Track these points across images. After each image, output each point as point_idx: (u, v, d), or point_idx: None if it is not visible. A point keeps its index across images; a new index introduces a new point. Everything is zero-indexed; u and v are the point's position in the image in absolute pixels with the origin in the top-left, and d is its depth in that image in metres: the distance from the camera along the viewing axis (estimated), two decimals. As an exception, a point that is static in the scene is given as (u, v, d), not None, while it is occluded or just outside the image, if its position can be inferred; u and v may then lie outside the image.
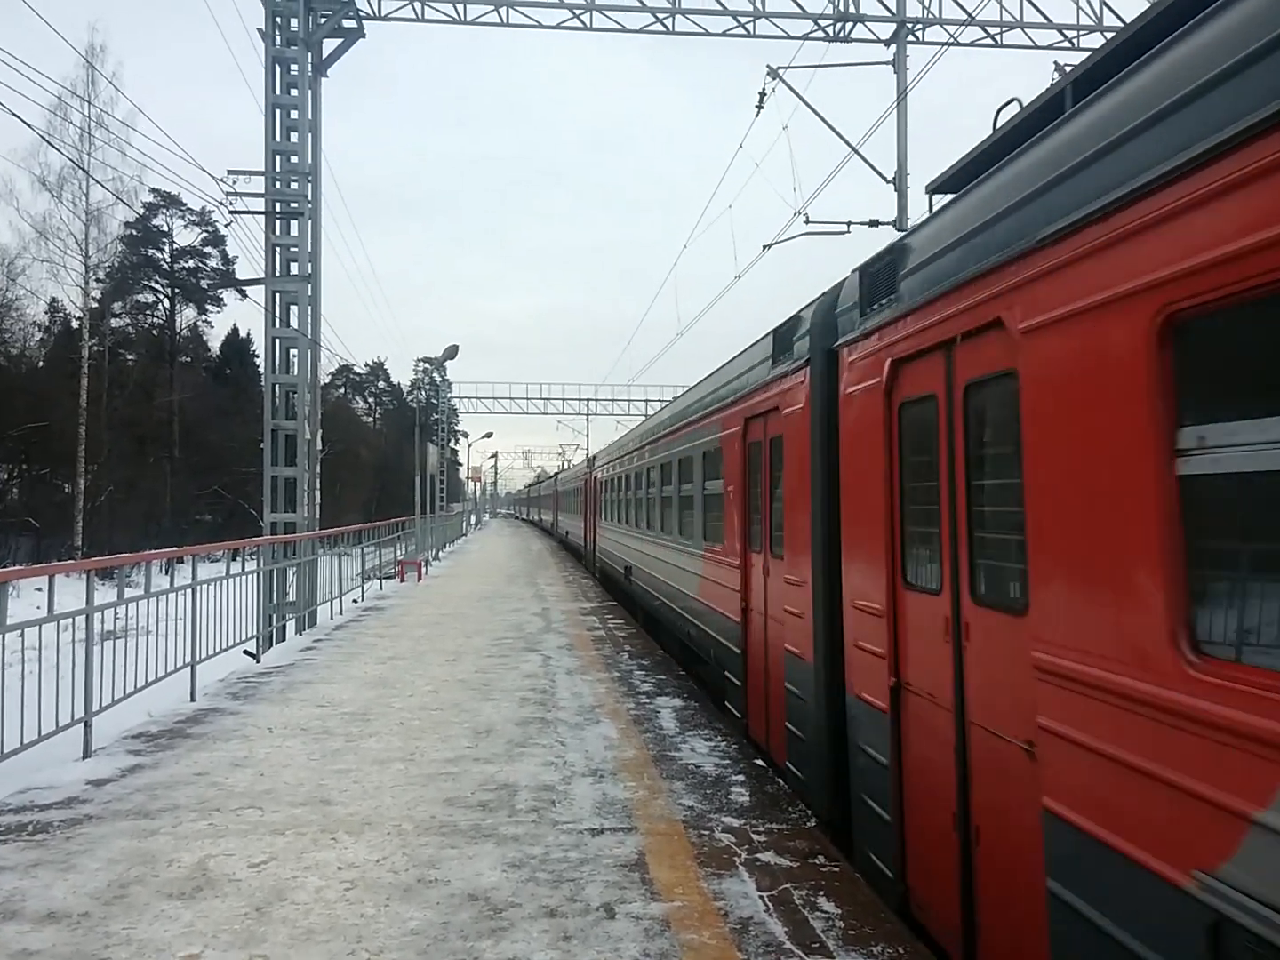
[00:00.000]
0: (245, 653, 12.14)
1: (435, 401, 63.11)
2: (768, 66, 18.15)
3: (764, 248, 19.50)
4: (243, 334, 63.09)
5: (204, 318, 59.83)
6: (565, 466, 70.86)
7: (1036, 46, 20.99)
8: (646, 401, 64.05)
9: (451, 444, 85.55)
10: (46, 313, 47.15)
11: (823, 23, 20.60)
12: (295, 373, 18.09)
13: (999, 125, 4.50)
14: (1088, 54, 4.67)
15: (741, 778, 7.04)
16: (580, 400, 68.28)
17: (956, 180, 4.86)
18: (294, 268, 17.94)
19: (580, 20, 20.45)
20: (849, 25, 20.60)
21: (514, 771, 7.15)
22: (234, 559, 12.54)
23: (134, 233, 50.64)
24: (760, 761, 7.62)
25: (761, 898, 4.91)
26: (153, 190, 49.96)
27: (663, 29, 20.70)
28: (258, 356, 54.94)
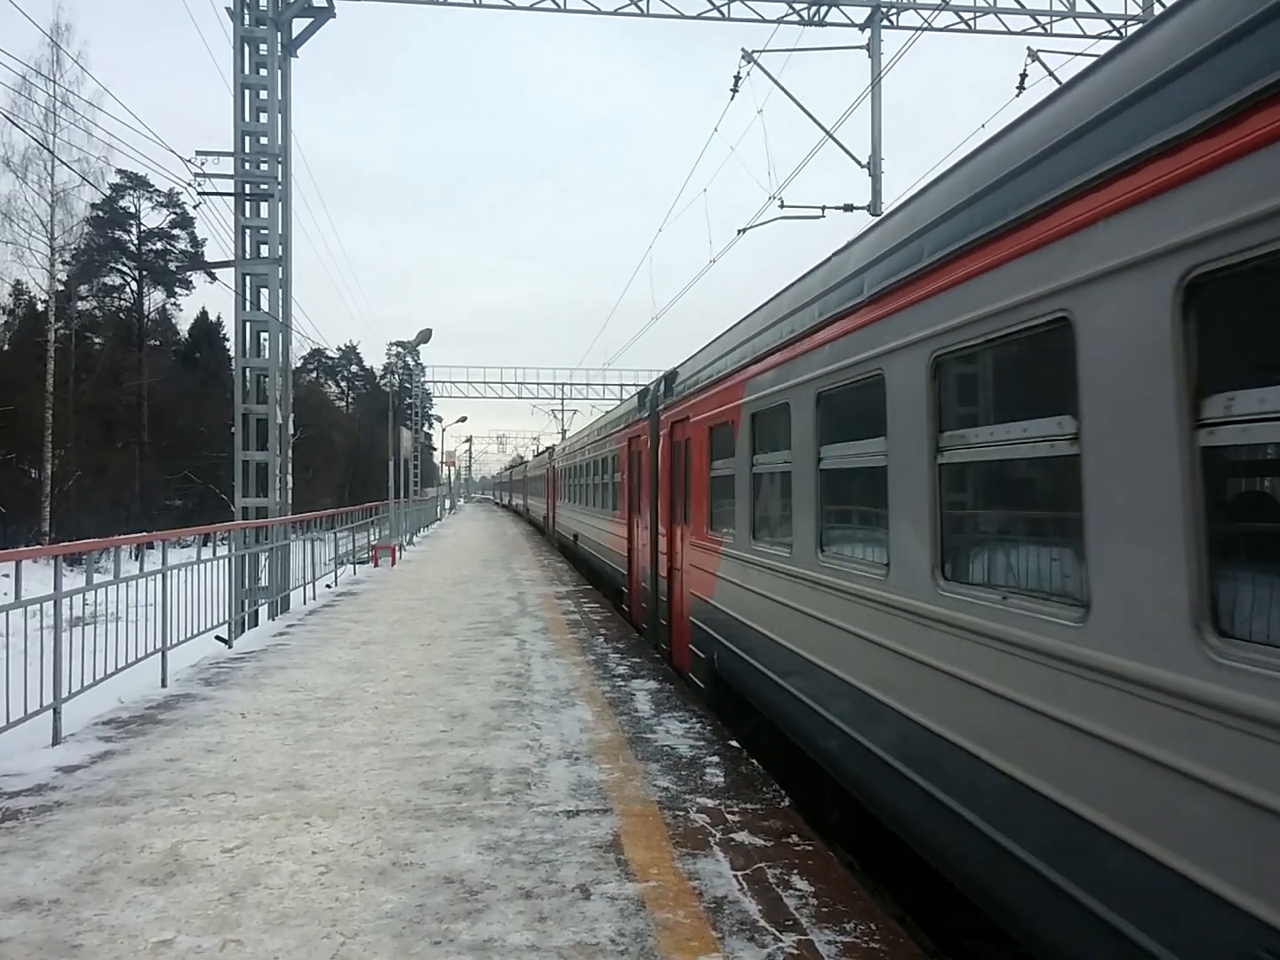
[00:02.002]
0: (217, 638, 12.05)
1: (409, 386, 62.71)
2: (742, 50, 18.15)
3: (739, 232, 19.52)
4: (212, 317, 62.43)
5: (172, 301, 59.09)
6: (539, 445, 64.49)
7: (1010, 32, 21.05)
8: (622, 385, 63.94)
9: (425, 428, 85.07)
10: (11, 295, 46.45)
11: (797, 6, 20.56)
12: (266, 356, 17.88)
13: None
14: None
15: (716, 759, 7.08)
16: (555, 385, 68.07)
17: None
18: (264, 250, 17.71)
19: (554, 2, 20.28)
20: (824, 9, 20.56)
21: (489, 755, 7.16)
22: (205, 544, 12.43)
23: (100, 214, 49.81)
24: (734, 743, 7.65)
25: (736, 877, 4.95)
26: (119, 171, 49.17)
27: (637, 11, 20.58)
28: (228, 340, 54.40)
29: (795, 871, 5.04)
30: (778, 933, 4.33)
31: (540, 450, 52.80)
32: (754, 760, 7.20)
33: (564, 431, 59.22)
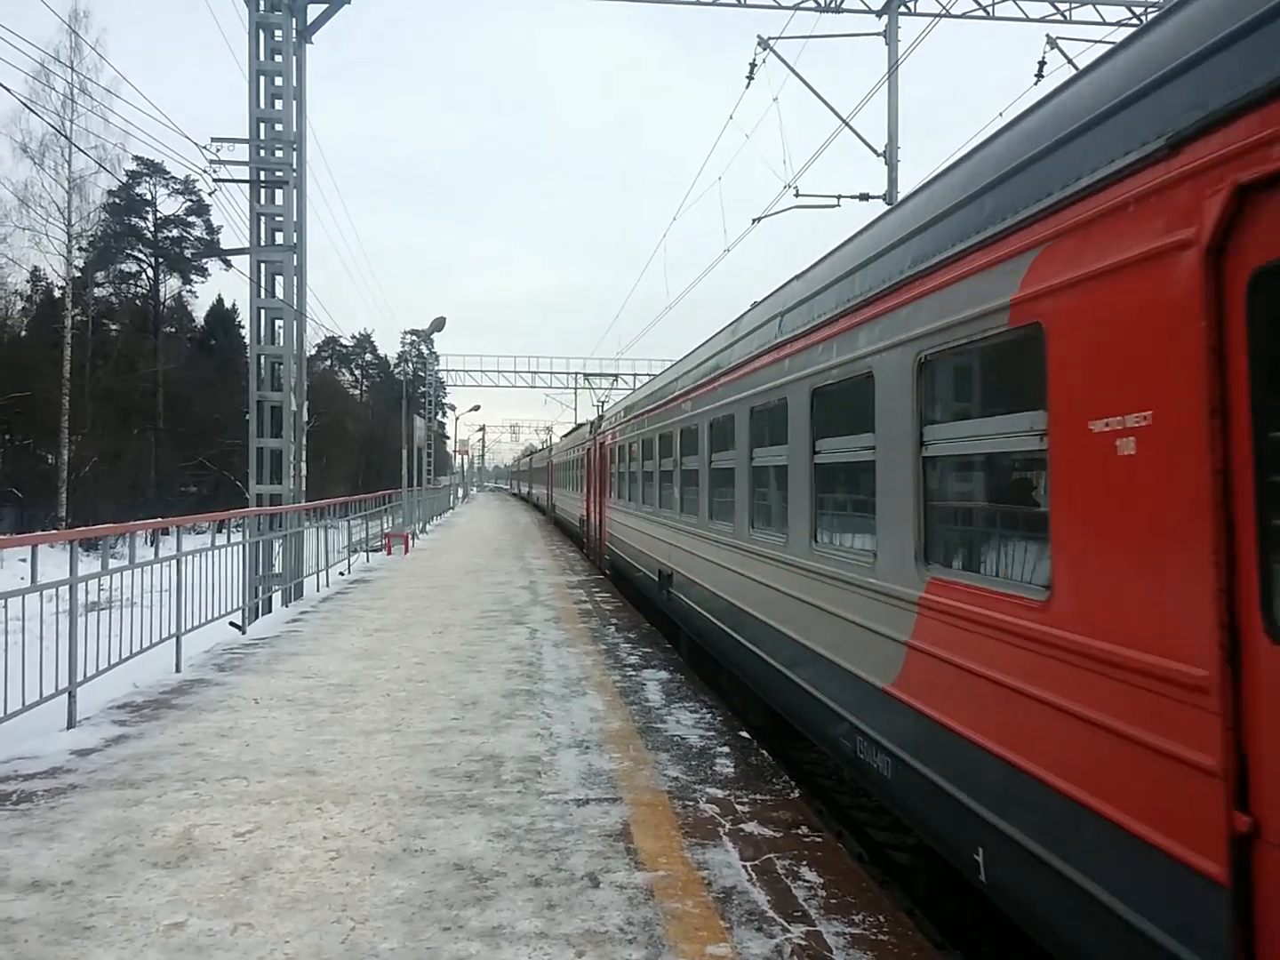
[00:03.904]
0: (231, 624, 12.11)
1: (422, 374, 62.78)
2: (758, 37, 18.04)
3: (754, 221, 19.44)
4: (228, 304, 62.65)
5: (188, 288, 59.40)
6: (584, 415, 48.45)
7: (1028, 19, 20.82)
8: (635, 375, 63.78)
9: (439, 417, 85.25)
10: (28, 281, 46.78)
11: (814, -8, 20.36)
12: (281, 344, 17.92)
13: None
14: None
15: (726, 749, 7.08)
16: (569, 374, 67.95)
17: None
18: (279, 237, 17.73)
19: (569, -13, 20.13)
20: (841, -5, 20.36)
21: (500, 743, 7.17)
22: (219, 530, 12.48)
23: (117, 201, 50.01)
24: (744, 734, 7.65)
25: (745, 867, 4.95)
26: (136, 158, 49.39)
27: (653, -2, 20.42)
28: (243, 327, 54.55)
29: (804, 863, 5.03)
30: (786, 923, 4.33)
31: (576, 425, 39.34)
32: (764, 750, 7.20)
33: (602, 404, 47.57)
